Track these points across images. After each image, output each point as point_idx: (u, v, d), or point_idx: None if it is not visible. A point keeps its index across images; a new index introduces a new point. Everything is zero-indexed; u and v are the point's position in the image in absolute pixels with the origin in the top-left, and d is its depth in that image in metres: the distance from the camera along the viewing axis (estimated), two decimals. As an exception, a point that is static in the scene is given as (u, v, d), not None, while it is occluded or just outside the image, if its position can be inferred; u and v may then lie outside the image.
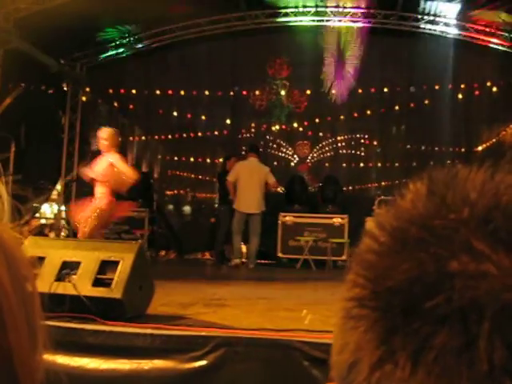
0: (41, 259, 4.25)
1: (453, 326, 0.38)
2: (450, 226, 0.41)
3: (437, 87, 12.50)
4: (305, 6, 12.10)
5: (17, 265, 0.53)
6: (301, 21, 12.40)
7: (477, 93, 12.49)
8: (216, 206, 12.82)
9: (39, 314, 0.55)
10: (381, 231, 0.44)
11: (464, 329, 0.37)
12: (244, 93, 13.09)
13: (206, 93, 13.01)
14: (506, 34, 11.70)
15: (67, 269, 4.18)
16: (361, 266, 0.44)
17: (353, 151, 13.14)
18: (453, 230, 0.41)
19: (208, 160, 13.37)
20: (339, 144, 13.16)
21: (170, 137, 13.43)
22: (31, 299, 0.54)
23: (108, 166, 6.82)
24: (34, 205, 12.33)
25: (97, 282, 4.13)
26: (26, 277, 0.54)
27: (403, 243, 0.42)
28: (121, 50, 12.78)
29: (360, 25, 12.29)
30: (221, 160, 13.30)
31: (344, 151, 13.16)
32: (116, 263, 4.19)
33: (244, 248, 12.13)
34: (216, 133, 13.25)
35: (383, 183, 13.01)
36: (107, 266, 4.20)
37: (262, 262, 11.53)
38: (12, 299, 0.51)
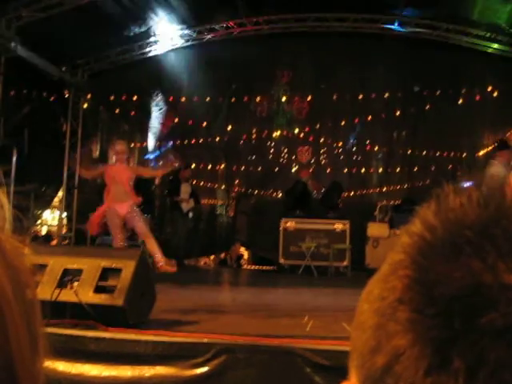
0: (42, 266, 4.25)
1: (510, 340, 0.37)
2: (510, 237, 0.40)
3: (438, 92, 12.52)
4: (304, 11, 12.12)
5: (18, 273, 0.53)
6: (303, 26, 12.42)
7: (478, 98, 12.51)
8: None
9: (40, 321, 0.56)
10: (431, 234, 0.43)
11: None
12: (245, 99, 13.11)
13: (207, 99, 13.04)
14: (506, 39, 11.72)
15: (69, 276, 4.18)
16: (411, 268, 0.42)
17: (354, 157, 13.14)
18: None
19: (209, 166, 13.38)
20: (340, 150, 13.17)
21: (171, 143, 13.45)
22: (32, 307, 0.55)
23: (132, 174, 6.93)
24: (36, 211, 12.35)
25: (98, 289, 4.13)
26: (27, 284, 0.54)
27: (458, 249, 0.40)
28: (121, 56, 12.82)
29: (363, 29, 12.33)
30: (222, 166, 13.32)
31: (345, 157, 13.16)
32: (118, 270, 4.19)
33: (246, 254, 12.14)
34: (217, 139, 13.27)
35: (384, 188, 13.01)
36: (109, 273, 4.20)
37: (264, 267, 11.52)
38: (14, 307, 0.51)
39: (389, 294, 0.42)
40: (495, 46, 11.91)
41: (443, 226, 0.42)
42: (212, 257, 12.77)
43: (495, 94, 12.37)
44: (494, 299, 0.38)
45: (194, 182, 13.06)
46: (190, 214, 12.08)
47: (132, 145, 13.61)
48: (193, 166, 13.24)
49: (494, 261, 0.39)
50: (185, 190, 11.55)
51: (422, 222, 0.44)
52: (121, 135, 13.34)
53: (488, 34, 11.69)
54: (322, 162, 13.28)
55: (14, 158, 10.21)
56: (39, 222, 12.79)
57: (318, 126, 13.09)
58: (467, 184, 11.65)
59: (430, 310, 0.39)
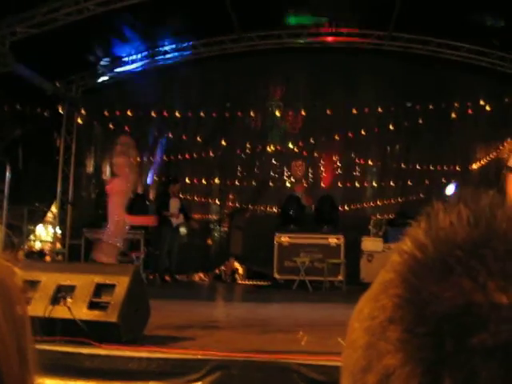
0: (35, 283, 4.23)
1: (501, 359, 0.37)
2: (501, 257, 0.40)
3: (431, 106, 12.60)
4: (301, 27, 12.20)
5: (8, 291, 0.53)
6: (296, 42, 12.50)
7: (470, 111, 12.59)
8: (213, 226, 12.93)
9: (30, 337, 0.56)
10: (421, 253, 0.42)
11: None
12: (239, 114, 13.15)
13: (201, 114, 13.07)
14: (498, 53, 11.83)
15: (62, 292, 4.15)
16: (402, 287, 0.42)
17: (348, 171, 13.18)
18: (503, 261, 0.39)
19: (203, 181, 13.38)
20: (334, 164, 13.20)
21: (165, 158, 13.45)
22: (22, 324, 0.55)
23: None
24: (29, 227, 12.29)
25: (92, 306, 4.10)
26: (17, 301, 0.54)
27: (448, 269, 0.40)
28: (116, 72, 12.87)
29: (354, 45, 12.42)
30: (216, 181, 13.33)
31: (339, 171, 13.20)
32: (111, 286, 4.16)
33: (241, 269, 12.10)
34: (211, 154, 13.28)
35: (378, 202, 13.03)
36: (102, 289, 4.18)
37: (258, 282, 11.49)
38: (3, 329, 0.51)
39: (379, 313, 0.42)
40: (487, 59, 12.02)
41: (434, 244, 0.42)
42: (206, 272, 12.72)
43: (487, 108, 12.46)
44: (485, 318, 0.38)
45: (187, 197, 13.05)
46: (182, 229, 12.07)
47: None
48: (187, 180, 13.24)
49: (484, 280, 0.39)
50: (174, 204, 11.56)
51: (412, 240, 0.44)
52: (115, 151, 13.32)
53: (480, 48, 11.81)
54: (316, 177, 13.31)
55: (8, 174, 10.19)
56: (33, 237, 12.73)
57: (311, 140, 13.13)
58: (451, 186, 11.68)
59: (421, 330, 0.39)
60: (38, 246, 13.11)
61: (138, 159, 13.56)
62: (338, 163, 13.18)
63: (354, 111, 12.83)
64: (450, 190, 11.60)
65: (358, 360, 0.42)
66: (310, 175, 13.28)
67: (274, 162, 13.28)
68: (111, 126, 13.21)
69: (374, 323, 0.42)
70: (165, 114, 13.13)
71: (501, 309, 0.38)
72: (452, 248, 0.41)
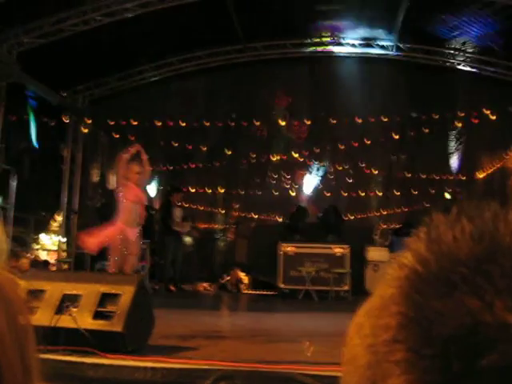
0: (41, 292, 4.23)
1: (511, 381, 0.36)
2: (508, 273, 0.38)
3: (436, 116, 12.59)
4: (309, 37, 12.23)
5: (11, 302, 0.54)
6: (303, 52, 12.55)
7: (475, 121, 12.58)
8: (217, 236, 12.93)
9: (33, 348, 0.56)
10: (423, 268, 0.41)
11: None
12: (244, 123, 13.18)
13: (207, 124, 13.10)
14: (503, 62, 11.84)
15: (67, 301, 4.15)
16: (405, 305, 0.40)
17: (353, 180, 13.17)
18: (510, 278, 0.38)
19: (209, 191, 13.40)
20: (339, 173, 13.20)
21: (170, 168, 13.48)
22: (25, 333, 0.56)
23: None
24: (34, 236, 12.33)
25: (97, 315, 4.10)
26: (20, 312, 0.55)
27: (452, 286, 0.38)
28: (121, 82, 12.93)
29: (361, 54, 12.47)
30: (221, 190, 13.35)
31: (344, 180, 13.19)
32: (117, 296, 4.16)
33: (245, 279, 12.07)
34: (216, 163, 13.31)
35: (384, 212, 13.00)
36: (108, 298, 4.18)
37: (263, 292, 11.45)
38: (7, 340, 0.52)
39: (382, 331, 0.41)
40: (491, 69, 12.02)
41: (436, 259, 0.41)
42: (211, 282, 12.70)
43: (493, 117, 12.44)
44: (494, 338, 0.36)
45: (192, 206, 13.06)
46: (187, 239, 12.05)
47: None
48: (192, 189, 13.25)
49: (491, 299, 0.38)
50: (177, 214, 11.56)
51: (413, 254, 0.42)
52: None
53: (484, 58, 11.82)
54: (321, 186, 13.31)
55: (14, 184, 10.23)
56: (38, 247, 12.74)
57: (317, 150, 13.14)
58: None
59: (427, 351, 0.38)
60: (43, 255, 13.13)
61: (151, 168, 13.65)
62: (343, 172, 13.17)
63: (359, 120, 12.84)
64: None
65: (361, 379, 0.41)
66: (314, 184, 13.27)
67: (279, 171, 13.29)
68: (117, 135, 13.26)
69: (377, 342, 0.41)
70: (170, 123, 13.18)
71: (510, 328, 0.37)
72: (456, 264, 0.40)
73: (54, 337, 3.84)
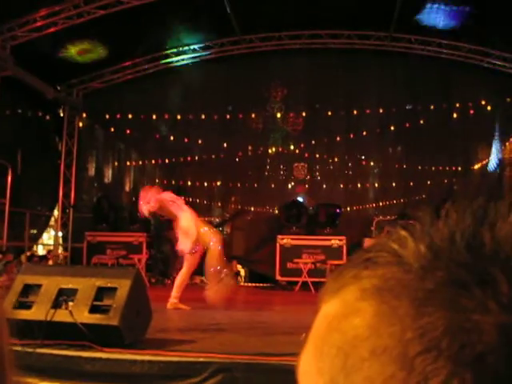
0: (37, 286, 4.22)
1: None
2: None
3: (432, 107, 12.58)
4: (298, 29, 12.20)
5: None
6: (293, 43, 12.52)
7: (471, 112, 12.57)
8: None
9: (6, 338, 0.56)
10: (427, 273, 0.36)
11: None
12: (240, 116, 13.15)
13: (203, 117, 13.07)
14: (499, 53, 11.83)
15: (64, 296, 4.14)
16: (411, 314, 0.35)
17: (350, 172, 13.17)
18: None
19: (205, 183, 13.38)
20: (336, 165, 13.20)
21: (166, 161, 13.45)
22: None
23: None
24: (34, 232, 12.30)
25: (94, 309, 4.09)
26: None
27: (458, 294, 0.34)
28: (117, 75, 12.88)
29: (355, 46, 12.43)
30: (218, 183, 13.34)
31: (341, 172, 13.19)
32: (113, 289, 4.15)
33: (243, 271, 12.08)
34: (213, 156, 13.28)
35: (381, 203, 13.01)
36: (104, 292, 4.17)
37: (261, 285, 11.47)
38: None
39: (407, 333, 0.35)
40: (488, 60, 12.01)
41: (437, 265, 0.36)
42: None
43: (489, 108, 12.44)
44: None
45: (189, 200, 13.03)
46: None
47: (127, 163, 13.64)
48: (188, 183, 13.23)
49: (499, 316, 0.34)
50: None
51: (410, 250, 0.38)
52: (116, 154, 13.37)
53: (481, 48, 11.81)
54: (318, 178, 13.30)
55: (9, 178, 10.20)
56: (34, 241, 12.73)
57: (313, 142, 13.12)
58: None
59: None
60: (39, 249, 13.11)
61: (139, 162, 13.64)
62: (340, 164, 13.16)
63: (355, 112, 12.82)
64: None
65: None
66: (311, 177, 13.27)
67: (275, 163, 13.28)
68: (112, 129, 13.23)
69: (390, 341, 0.36)
70: (166, 116, 13.14)
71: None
72: (457, 267, 0.36)
73: (50, 331, 3.83)
